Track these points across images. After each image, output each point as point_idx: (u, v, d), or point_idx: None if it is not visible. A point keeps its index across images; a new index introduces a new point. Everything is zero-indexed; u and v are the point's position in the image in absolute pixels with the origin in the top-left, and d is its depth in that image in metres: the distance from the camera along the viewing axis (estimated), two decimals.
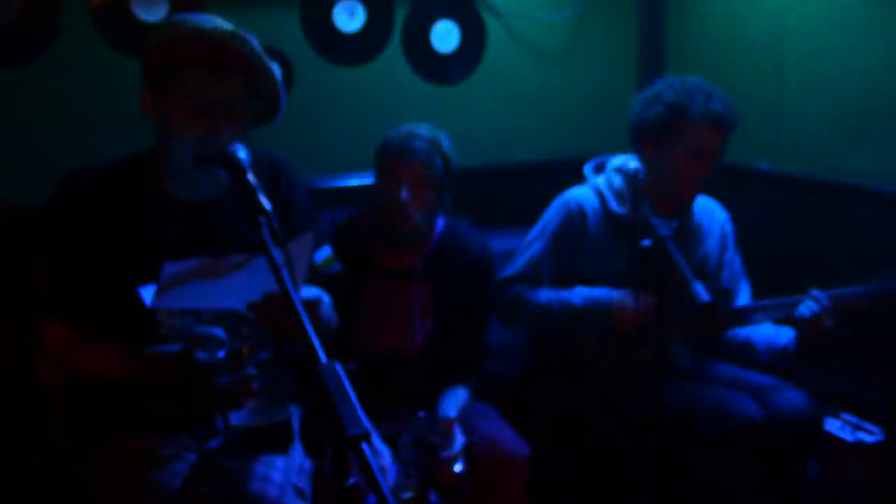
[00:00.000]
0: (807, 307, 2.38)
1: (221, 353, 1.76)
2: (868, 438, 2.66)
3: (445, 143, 2.42)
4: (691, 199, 2.56)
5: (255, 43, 1.83)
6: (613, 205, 2.56)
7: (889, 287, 2.37)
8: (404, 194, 2.33)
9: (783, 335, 2.53)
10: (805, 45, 3.01)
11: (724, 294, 2.63)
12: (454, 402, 2.38)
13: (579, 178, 2.72)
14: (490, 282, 2.56)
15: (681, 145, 2.44)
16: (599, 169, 2.68)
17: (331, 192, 3.01)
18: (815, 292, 2.39)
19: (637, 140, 2.54)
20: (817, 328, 2.36)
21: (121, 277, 1.80)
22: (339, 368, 1.24)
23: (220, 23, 1.82)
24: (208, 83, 1.78)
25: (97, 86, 2.74)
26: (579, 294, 2.50)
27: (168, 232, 1.88)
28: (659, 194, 2.46)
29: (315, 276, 1.97)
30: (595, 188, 2.61)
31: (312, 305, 1.77)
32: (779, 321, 2.51)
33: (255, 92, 1.86)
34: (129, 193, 1.88)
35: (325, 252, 1.98)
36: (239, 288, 1.68)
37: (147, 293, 1.72)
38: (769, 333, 2.57)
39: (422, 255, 2.49)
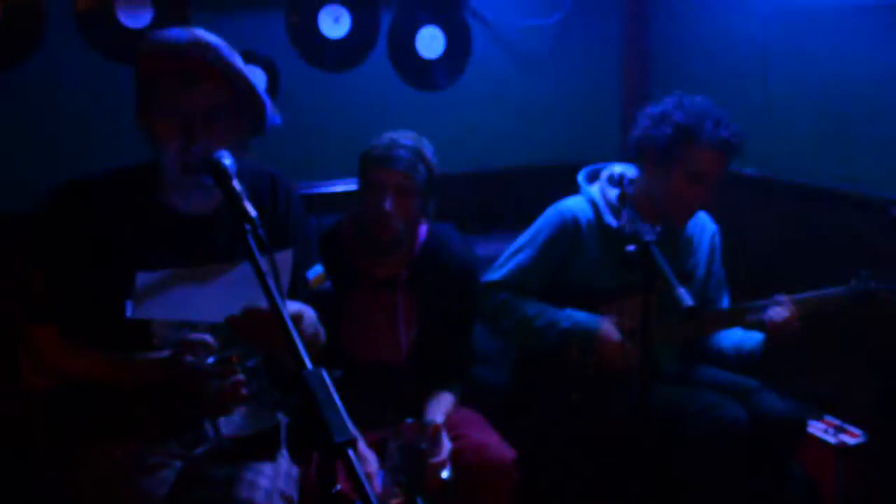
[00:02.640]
0: (772, 311, 2.40)
1: (210, 360, 1.75)
2: (850, 441, 2.68)
3: (428, 151, 2.41)
4: (683, 221, 2.55)
5: (225, 50, 1.82)
6: (608, 218, 2.56)
7: (867, 288, 2.39)
8: (387, 203, 2.33)
9: (751, 339, 2.55)
10: (789, 51, 3.03)
11: (708, 303, 2.63)
12: (441, 407, 2.38)
13: (563, 183, 2.72)
14: (475, 288, 2.55)
15: (683, 168, 2.43)
16: (593, 177, 2.68)
17: (316, 198, 3.00)
18: (778, 297, 2.42)
19: (640, 155, 2.53)
20: (782, 331, 2.38)
21: (114, 287, 1.78)
22: (324, 376, 1.24)
23: (196, 34, 1.81)
24: (179, 93, 1.79)
25: (82, 91, 2.73)
26: (569, 317, 2.51)
27: (164, 244, 1.87)
28: (651, 208, 2.46)
29: (306, 292, 1.97)
30: (590, 199, 2.61)
31: (296, 318, 1.76)
32: (750, 325, 2.53)
33: (237, 101, 1.86)
34: (129, 204, 1.88)
35: (316, 270, 1.97)
36: (218, 300, 1.67)
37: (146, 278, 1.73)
38: (738, 338, 2.59)
39: (405, 264, 2.48)
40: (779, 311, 2.39)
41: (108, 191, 1.88)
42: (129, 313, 1.68)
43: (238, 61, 1.84)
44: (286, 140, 2.72)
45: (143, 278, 1.63)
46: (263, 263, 1.40)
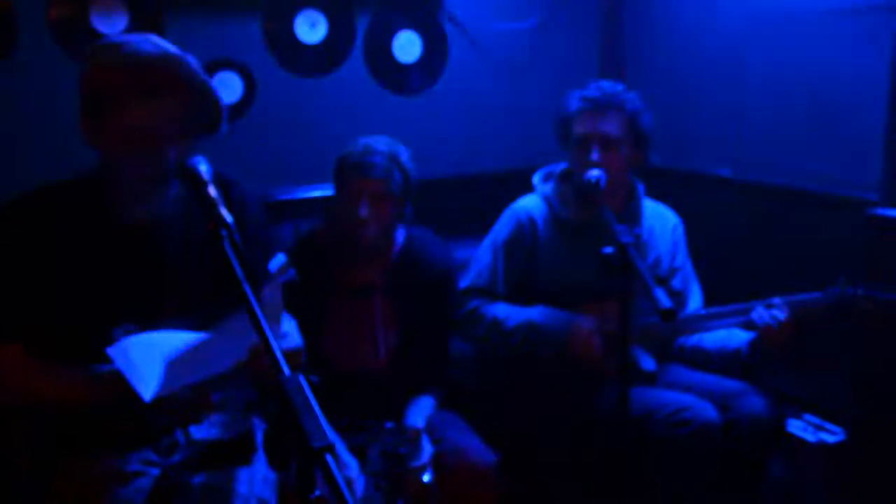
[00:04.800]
0: (768, 314, 2.38)
1: None
2: (830, 438, 2.68)
3: (404, 156, 2.41)
4: (596, 190, 2.41)
5: (192, 61, 1.80)
6: (562, 211, 2.58)
7: (844, 293, 2.39)
8: (363, 210, 2.34)
9: (735, 338, 2.54)
10: (764, 54, 3.04)
11: (675, 297, 2.62)
12: (421, 412, 2.38)
13: (531, 188, 2.75)
14: (453, 292, 2.57)
15: (572, 141, 2.52)
16: (549, 178, 2.71)
17: (293, 203, 3.00)
18: (774, 299, 2.41)
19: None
20: (777, 335, 2.37)
21: (71, 301, 1.78)
22: (302, 381, 1.23)
23: (156, 43, 1.78)
24: (142, 108, 1.75)
25: (57, 99, 2.59)
26: (541, 312, 2.51)
27: (117, 253, 1.85)
28: (604, 197, 2.40)
29: (273, 286, 1.94)
30: (543, 195, 2.64)
31: (296, 356, 1.78)
32: (737, 326, 2.51)
33: (196, 108, 1.85)
34: (77, 215, 1.85)
35: (279, 260, 1.92)
36: (220, 351, 1.67)
37: (124, 364, 1.68)
38: (721, 337, 2.58)
39: (382, 270, 2.48)
40: (774, 314, 2.37)
41: (56, 203, 1.85)
42: (146, 398, 1.64)
43: (202, 72, 1.83)
44: (262, 145, 2.79)
45: (165, 361, 1.61)
46: (239, 270, 1.40)
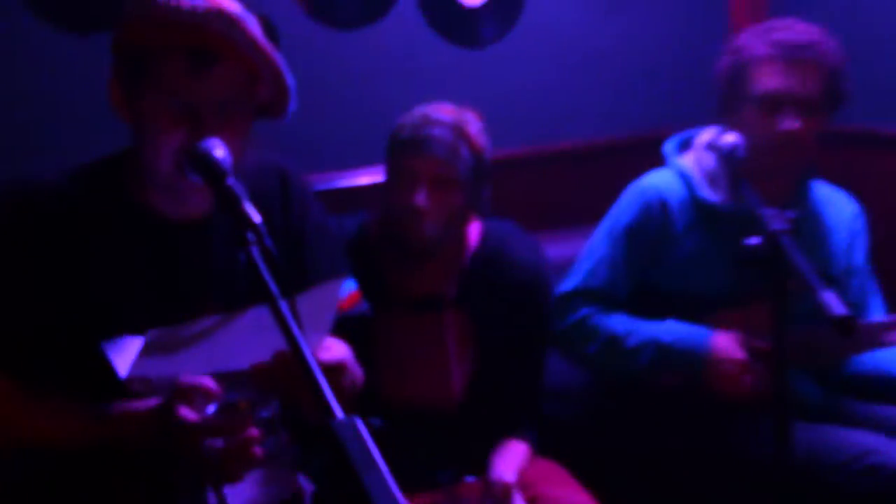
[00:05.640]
0: None
1: (212, 409, 1.71)
2: None
3: (474, 127, 2.41)
4: (792, 166, 2.52)
5: (251, 24, 1.80)
6: (704, 192, 2.56)
7: None
8: (420, 198, 2.34)
9: None
10: None
11: (852, 309, 2.59)
12: (510, 461, 2.37)
13: (651, 161, 2.72)
14: (546, 303, 2.56)
15: (748, 100, 2.49)
16: (685, 148, 2.69)
17: (332, 195, 2.98)
18: None
19: (719, 108, 2.60)
20: None
21: (84, 320, 1.79)
22: (360, 426, 1.23)
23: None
24: (188, 76, 1.76)
25: (30, 68, 2.77)
26: (670, 330, 2.50)
27: (148, 258, 1.87)
28: (762, 177, 2.43)
29: (326, 306, 1.91)
30: (680, 172, 2.61)
31: (337, 372, 1.75)
32: None
33: (255, 83, 1.86)
34: (97, 210, 1.87)
35: (347, 287, 1.99)
36: (239, 345, 1.68)
37: (115, 352, 1.70)
38: None
39: (453, 276, 2.48)
40: None
41: (66, 195, 1.86)
42: (121, 373, 1.67)
43: (264, 38, 1.84)
44: (291, 120, 2.71)
45: (153, 336, 1.64)
46: (273, 284, 1.42)
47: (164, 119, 1.77)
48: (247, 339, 1.66)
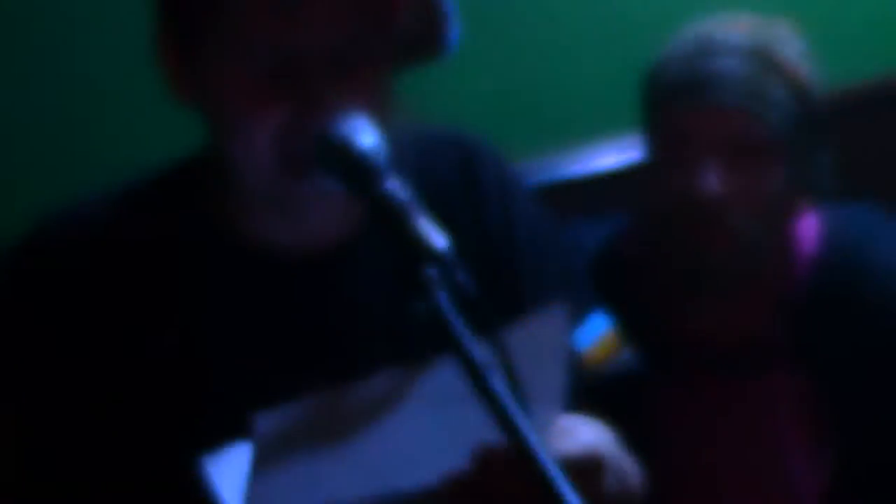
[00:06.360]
0: None
1: None
2: None
3: (791, 49, 1.95)
4: None
5: None
6: None
7: None
8: (711, 180, 1.92)
9: None
10: None
11: None
12: None
13: None
14: None
15: None
16: None
17: (555, 190, 2.43)
18: None
19: None
20: None
21: (155, 422, 1.48)
22: None
23: None
24: (279, 19, 1.44)
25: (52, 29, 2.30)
26: None
27: (252, 316, 1.55)
28: None
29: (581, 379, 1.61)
30: None
31: (590, 473, 1.36)
32: None
33: (385, 18, 1.50)
34: (167, 248, 1.57)
35: (597, 327, 1.63)
36: (411, 446, 1.35)
37: (218, 471, 1.36)
38: None
39: (779, 309, 2.02)
40: None
41: (115, 227, 1.55)
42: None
43: None
44: (478, 80, 2.38)
45: (263, 425, 1.26)
46: (476, 349, 1.09)
47: (247, 94, 1.44)
48: (425, 433, 1.33)
